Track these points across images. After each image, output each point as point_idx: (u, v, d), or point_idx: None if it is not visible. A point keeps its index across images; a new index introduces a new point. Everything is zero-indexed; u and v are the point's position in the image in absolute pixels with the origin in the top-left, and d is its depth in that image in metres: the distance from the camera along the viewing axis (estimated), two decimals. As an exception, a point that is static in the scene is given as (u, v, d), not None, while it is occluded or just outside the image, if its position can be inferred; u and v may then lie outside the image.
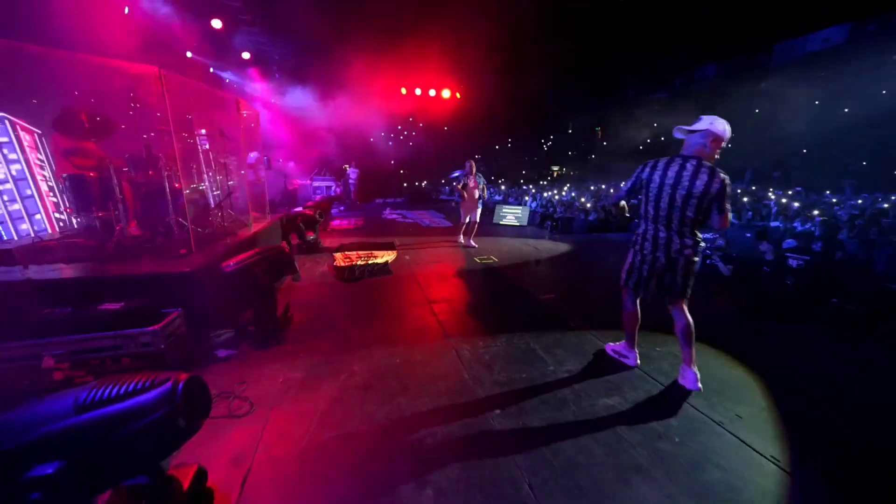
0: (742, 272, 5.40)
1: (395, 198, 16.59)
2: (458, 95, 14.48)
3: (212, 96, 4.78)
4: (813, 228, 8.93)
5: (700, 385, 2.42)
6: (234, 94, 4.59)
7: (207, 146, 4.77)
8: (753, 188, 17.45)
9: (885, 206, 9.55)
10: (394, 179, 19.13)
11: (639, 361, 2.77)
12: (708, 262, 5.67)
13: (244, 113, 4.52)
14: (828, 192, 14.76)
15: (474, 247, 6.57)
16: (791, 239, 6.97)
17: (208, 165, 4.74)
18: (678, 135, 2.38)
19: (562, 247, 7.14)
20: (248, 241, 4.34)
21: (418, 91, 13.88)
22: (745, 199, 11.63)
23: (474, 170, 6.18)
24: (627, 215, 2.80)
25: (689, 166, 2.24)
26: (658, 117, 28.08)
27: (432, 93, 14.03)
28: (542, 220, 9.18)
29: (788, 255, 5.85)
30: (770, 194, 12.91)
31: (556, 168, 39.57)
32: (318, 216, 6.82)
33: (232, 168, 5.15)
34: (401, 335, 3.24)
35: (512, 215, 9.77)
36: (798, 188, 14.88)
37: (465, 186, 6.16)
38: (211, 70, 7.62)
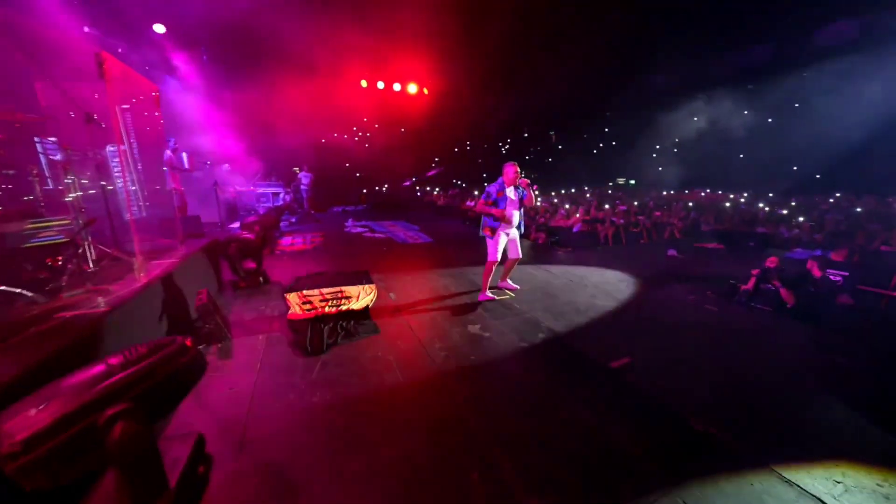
0: (805, 299, 4.50)
1: (356, 206, 14.65)
2: (425, 91, 12.97)
3: (44, 44, 2.76)
4: (784, 231, 8.62)
5: None
6: (93, 46, 2.67)
7: (54, 141, 2.76)
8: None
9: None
10: (353, 185, 17.10)
11: None
12: (762, 286, 4.72)
13: (103, 60, 2.58)
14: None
15: (514, 289, 4.66)
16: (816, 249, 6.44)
17: (51, 171, 2.74)
18: None
19: (579, 268, 5.90)
20: (117, 320, 2.43)
21: (381, 84, 12.16)
22: (727, 205, 11.47)
23: (519, 178, 4.09)
24: None
25: None
26: (608, 124, 28.84)
27: (397, 87, 12.38)
28: (548, 233, 7.99)
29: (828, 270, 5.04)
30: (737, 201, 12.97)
31: (515, 172, 39.62)
32: (261, 241, 4.92)
33: (107, 173, 3.17)
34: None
35: (502, 227, 8.45)
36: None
37: (496, 205, 4.07)
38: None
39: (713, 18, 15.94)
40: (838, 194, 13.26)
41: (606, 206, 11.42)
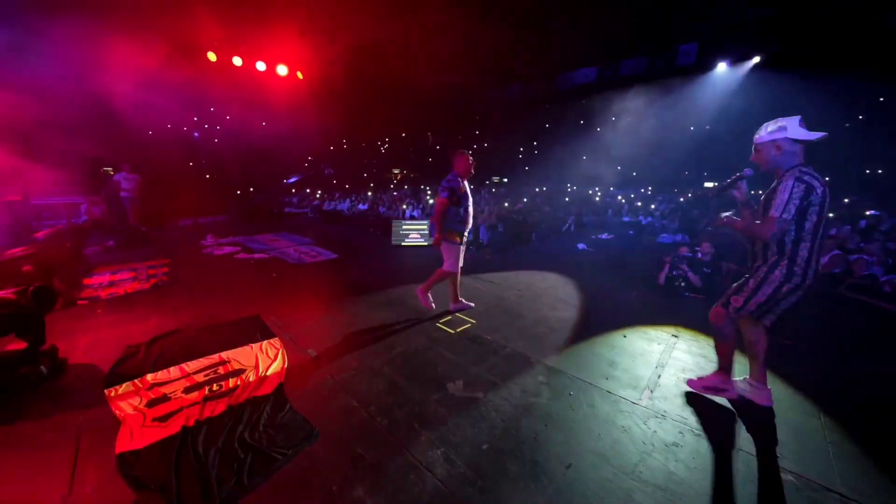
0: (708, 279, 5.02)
1: (215, 216, 11.30)
2: (299, 75, 10.79)
3: None
4: (642, 219, 10.41)
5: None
6: None
7: None
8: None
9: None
10: (205, 189, 13.25)
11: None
12: (675, 272, 5.07)
13: None
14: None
15: (469, 307, 3.93)
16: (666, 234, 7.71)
17: None
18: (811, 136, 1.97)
19: (517, 274, 5.41)
20: None
21: (238, 61, 9.48)
22: (597, 199, 13.21)
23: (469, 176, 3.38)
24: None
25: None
26: (479, 126, 31.17)
27: (262, 66, 9.89)
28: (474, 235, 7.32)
29: (698, 249, 5.82)
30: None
31: (396, 171, 39.15)
32: (35, 297, 2.68)
33: None
34: None
35: (417, 233, 7.48)
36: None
37: (463, 208, 3.27)
38: None
39: (555, 40, 18.24)
40: (650, 188, 17.32)
41: (506, 204, 11.69)
